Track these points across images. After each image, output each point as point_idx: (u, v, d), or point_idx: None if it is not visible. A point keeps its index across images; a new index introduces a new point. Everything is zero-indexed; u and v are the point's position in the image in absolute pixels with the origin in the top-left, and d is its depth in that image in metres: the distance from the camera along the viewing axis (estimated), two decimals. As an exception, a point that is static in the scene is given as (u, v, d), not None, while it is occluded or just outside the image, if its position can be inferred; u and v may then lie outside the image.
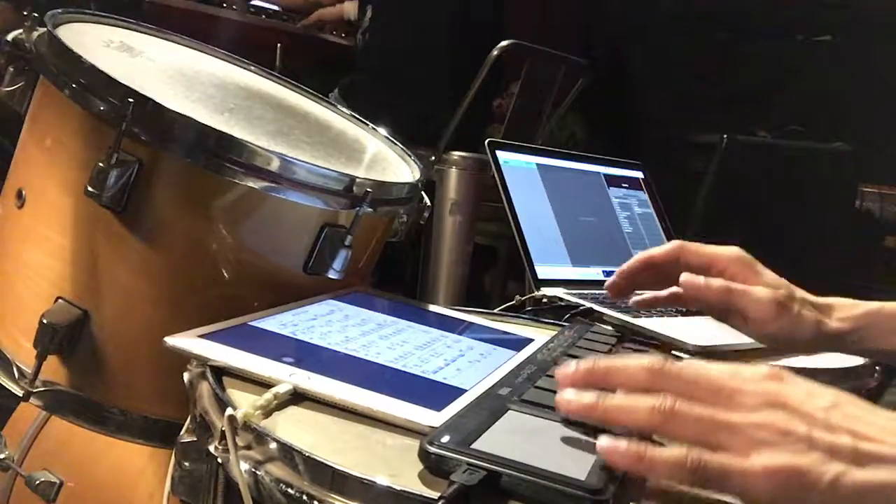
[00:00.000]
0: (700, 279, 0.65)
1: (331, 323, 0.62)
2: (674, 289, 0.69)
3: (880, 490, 0.39)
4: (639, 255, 0.70)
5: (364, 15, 2.18)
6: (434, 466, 0.40)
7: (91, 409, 0.69)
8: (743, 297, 0.64)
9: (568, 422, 0.45)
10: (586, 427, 0.45)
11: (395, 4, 2.12)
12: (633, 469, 0.40)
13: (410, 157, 0.89)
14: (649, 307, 0.73)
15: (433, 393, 0.51)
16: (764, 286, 0.65)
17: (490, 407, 0.47)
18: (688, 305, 0.69)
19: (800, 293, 0.67)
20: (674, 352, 0.75)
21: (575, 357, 0.59)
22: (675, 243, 0.69)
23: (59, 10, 0.75)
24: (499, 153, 1.06)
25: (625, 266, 0.70)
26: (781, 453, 0.39)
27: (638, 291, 0.75)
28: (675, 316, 0.88)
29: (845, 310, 0.67)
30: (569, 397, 0.44)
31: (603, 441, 0.40)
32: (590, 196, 1.16)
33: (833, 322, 0.66)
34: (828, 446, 0.40)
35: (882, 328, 0.66)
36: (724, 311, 0.66)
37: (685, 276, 0.66)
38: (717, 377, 0.43)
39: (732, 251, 0.68)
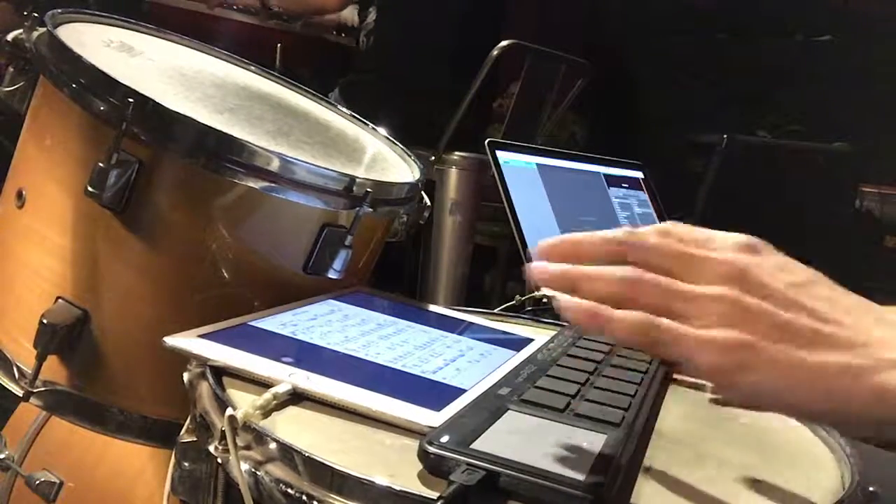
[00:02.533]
0: None
1: (331, 323, 0.62)
2: None
3: (821, 371, 0.38)
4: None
5: (367, 16, 2.18)
6: (433, 466, 0.40)
7: (91, 409, 0.69)
8: None
9: (568, 422, 0.45)
10: (587, 427, 0.45)
11: (397, 5, 2.13)
12: (589, 325, 0.41)
13: (410, 157, 0.89)
14: None
15: (433, 393, 0.51)
16: None
17: (489, 407, 0.47)
18: None
19: None
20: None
21: (575, 357, 0.59)
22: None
23: (59, 10, 0.75)
24: (499, 153, 1.06)
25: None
26: (735, 328, 0.39)
27: None
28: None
29: None
30: (542, 266, 0.44)
31: (563, 298, 0.41)
32: (590, 196, 1.16)
33: None
34: (783, 323, 0.39)
35: None
36: None
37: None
38: (683, 247, 0.42)
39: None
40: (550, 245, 0.45)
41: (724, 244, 0.43)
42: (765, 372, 0.38)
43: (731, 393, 0.41)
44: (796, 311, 0.40)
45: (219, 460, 0.44)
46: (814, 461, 0.51)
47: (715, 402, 0.58)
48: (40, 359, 0.66)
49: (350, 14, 2.35)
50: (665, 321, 0.40)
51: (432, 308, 0.75)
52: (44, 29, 0.70)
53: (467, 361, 0.58)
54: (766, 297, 0.40)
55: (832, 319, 0.40)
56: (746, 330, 0.39)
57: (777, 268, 0.42)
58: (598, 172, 1.20)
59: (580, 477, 0.39)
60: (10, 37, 0.72)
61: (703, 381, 0.43)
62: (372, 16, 2.16)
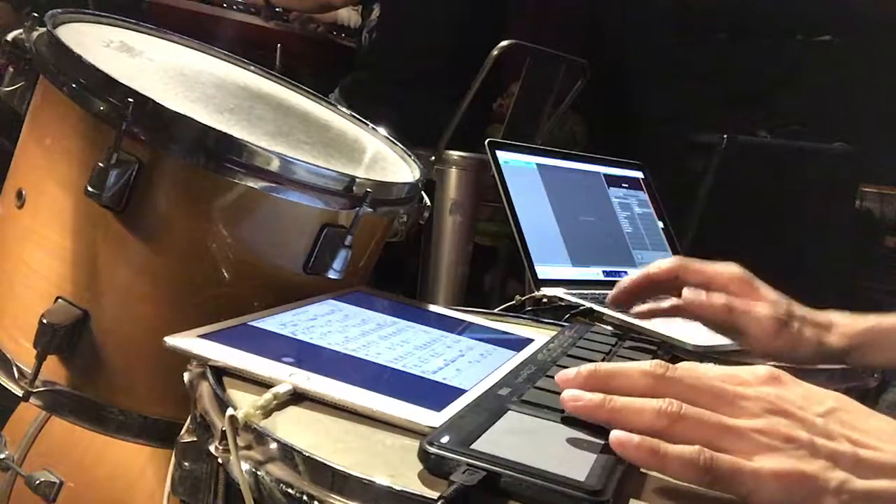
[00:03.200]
0: (702, 295, 0.66)
1: (331, 323, 0.62)
2: (674, 300, 0.70)
3: (882, 497, 0.39)
4: (639, 273, 0.70)
5: (370, 14, 2.18)
6: (434, 467, 0.40)
7: (91, 409, 0.69)
8: (744, 315, 0.65)
9: (568, 420, 0.45)
10: (587, 427, 0.45)
11: (399, 4, 2.13)
12: (645, 463, 0.40)
13: (410, 157, 0.89)
14: (649, 318, 0.74)
15: (433, 393, 0.51)
16: (764, 304, 0.65)
17: (490, 407, 0.47)
18: (688, 318, 0.70)
19: (800, 310, 0.67)
20: (674, 352, 0.75)
21: (575, 357, 0.59)
22: (675, 260, 0.69)
23: (59, 10, 0.75)
24: (499, 153, 1.06)
25: (625, 282, 0.71)
26: (788, 458, 0.40)
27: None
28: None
29: (845, 326, 0.67)
30: (574, 395, 0.44)
31: (617, 434, 0.41)
32: (590, 196, 1.16)
33: (833, 339, 0.67)
34: (830, 453, 0.40)
35: (882, 343, 0.67)
36: (724, 330, 0.67)
37: (687, 292, 0.66)
38: (717, 383, 0.43)
39: (732, 269, 0.68)
40: (581, 376, 0.45)
41: (754, 378, 0.44)
42: (835, 500, 0.39)
43: None
44: (838, 440, 0.41)
45: (219, 460, 0.44)
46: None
47: None
48: (40, 359, 0.66)
49: (349, 15, 2.35)
50: (723, 457, 0.40)
51: (432, 308, 0.75)
52: (44, 29, 0.70)
53: (467, 361, 0.58)
54: (805, 428, 0.41)
55: (868, 444, 0.41)
56: (801, 461, 0.39)
57: (803, 398, 0.43)
58: (598, 172, 1.20)
59: (580, 477, 0.39)
60: (10, 37, 0.72)
61: None
62: (376, 13, 2.16)
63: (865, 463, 0.40)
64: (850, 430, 0.42)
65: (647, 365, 0.44)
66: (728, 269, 0.68)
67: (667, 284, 0.69)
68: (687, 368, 0.44)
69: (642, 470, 0.43)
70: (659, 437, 0.41)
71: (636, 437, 0.40)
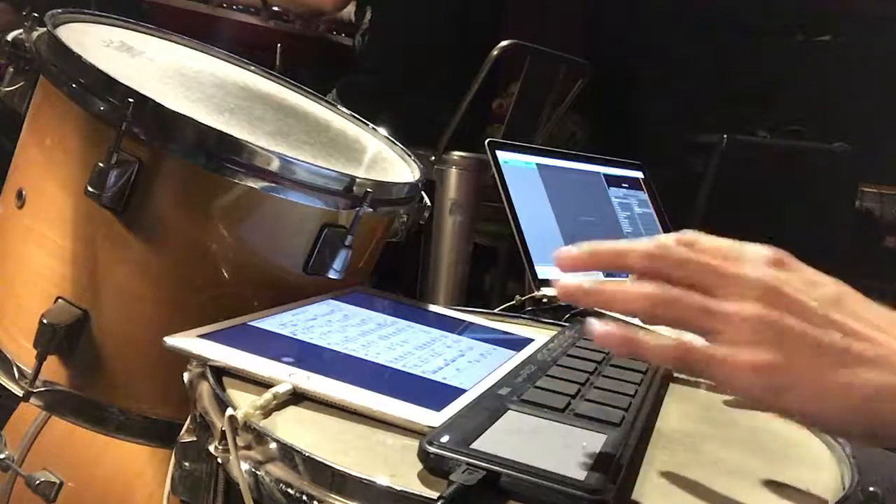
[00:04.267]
0: None
1: (331, 323, 0.62)
2: None
3: (854, 391, 0.39)
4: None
5: (363, 17, 2.18)
6: (434, 466, 0.40)
7: (91, 409, 0.69)
8: None
9: (568, 422, 0.45)
10: (587, 427, 0.45)
11: (395, 5, 2.12)
12: (623, 351, 0.41)
13: (410, 157, 0.89)
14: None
15: (433, 393, 0.51)
16: None
17: (490, 407, 0.47)
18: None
19: None
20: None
21: (575, 357, 0.59)
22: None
23: (59, 10, 0.75)
24: (499, 153, 1.06)
25: None
26: (768, 349, 0.39)
27: None
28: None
29: None
30: (568, 281, 0.44)
31: (596, 325, 0.41)
32: (590, 196, 1.16)
33: None
34: (816, 343, 0.39)
35: None
36: None
37: None
38: (716, 262, 0.42)
39: None
40: (572, 256, 0.45)
41: (753, 258, 0.43)
42: (799, 392, 0.39)
43: (767, 411, 0.41)
44: (829, 329, 0.40)
45: (219, 460, 0.44)
46: (814, 461, 0.51)
47: (729, 403, 0.58)
48: (40, 359, 0.66)
49: (349, 10, 2.35)
50: (698, 346, 0.40)
51: (432, 308, 0.75)
52: (44, 29, 0.70)
53: (467, 361, 0.58)
54: (798, 315, 0.40)
55: (864, 336, 0.40)
56: (781, 351, 0.39)
57: (807, 283, 0.42)
58: (598, 172, 1.20)
59: (580, 477, 0.39)
60: (10, 37, 0.72)
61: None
62: (368, 16, 2.16)
63: (853, 354, 0.39)
64: (848, 318, 0.41)
65: (650, 243, 0.44)
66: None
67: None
68: (683, 240, 0.44)
69: (641, 469, 0.43)
70: (648, 320, 0.42)
71: (615, 330, 0.41)
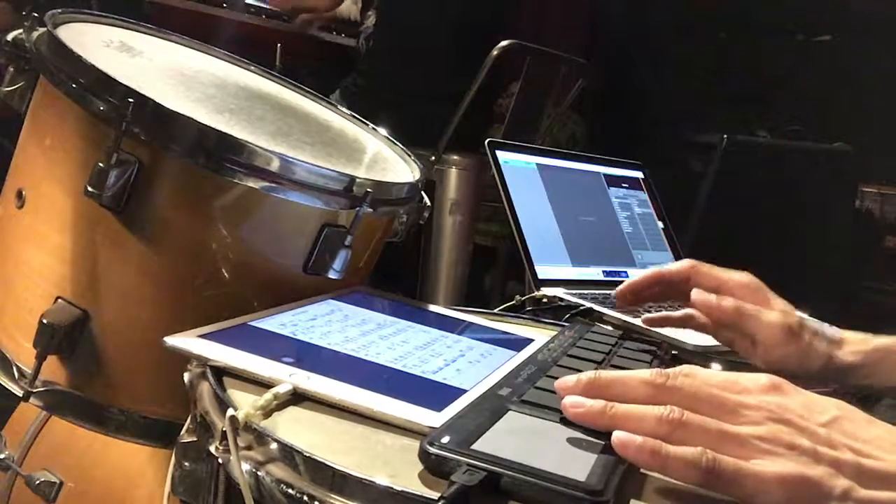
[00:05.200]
0: (712, 297, 0.65)
1: (331, 323, 0.62)
2: (686, 311, 0.70)
3: None
4: (651, 270, 0.70)
5: (366, 19, 2.18)
6: (434, 467, 0.40)
7: (91, 409, 0.69)
8: (753, 319, 0.64)
9: (568, 421, 0.45)
10: (587, 428, 0.45)
11: (397, 6, 2.13)
12: (647, 464, 0.41)
13: (410, 157, 0.89)
14: (659, 326, 0.74)
15: (433, 393, 0.51)
16: (775, 311, 0.65)
17: (490, 407, 0.47)
18: (698, 329, 0.70)
19: (812, 323, 0.66)
20: (673, 351, 0.75)
21: (575, 357, 0.59)
22: (687, 262, 0.69)
23: (59, 10, 0.75)
24: (499, 153, 1.06)
25: (636, 278, 0.71)
26: (791, 463, 0.40)
27: (648, 306, 0.77)
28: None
29: (857, 344, 0.66)
30: (575, 402, 0.44)
31: (619, 434, 0.41)
32: (590, 196, 1.16)
33: (844, 355, 0.66)
34: (833, 461, 0.40)
35: (893, 363, 0.66)
36: (732, 335, 0.66)
37: (697, 294, 0.66)
38: (718, 391, 0.43)
39: (743, 276, 0.68)
40: (582, 384, 0.45)
41: (755, 386, 0.44)
42: None
43: None
44: (840, 449, 0.41)
45: (219, 460, 0.44)
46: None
47: None
48: (40, 359, 0.66)
49: (349, 8, 2.35)
50: (725, 457, 0.40)
51: (432, 308, 0.75)
52: (44, 29, 0.70)
53: (468, 362, 0.58)
54: (807, 436, 0.41)
55: (870, 454, 0.41)
56: (805, 467, 0.40)
57: (804, 407, 0.43)
58: (598, 172, 1.20)
59: (581, 477, 0.39)
60: (10, 37, 0.72)
61: None
62: (371, 19, 2.16)
63: (868, 472, 0.40)
64: (852, 440, 0.42)
65: (648, 373, 0.44)
66: (739, 277, 0.68)
67: (677, 286, 0.69)
68: (687, 374, 0.44)
69: (643, 471, 0.43)
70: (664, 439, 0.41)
71: (638, 438, 0.40)
